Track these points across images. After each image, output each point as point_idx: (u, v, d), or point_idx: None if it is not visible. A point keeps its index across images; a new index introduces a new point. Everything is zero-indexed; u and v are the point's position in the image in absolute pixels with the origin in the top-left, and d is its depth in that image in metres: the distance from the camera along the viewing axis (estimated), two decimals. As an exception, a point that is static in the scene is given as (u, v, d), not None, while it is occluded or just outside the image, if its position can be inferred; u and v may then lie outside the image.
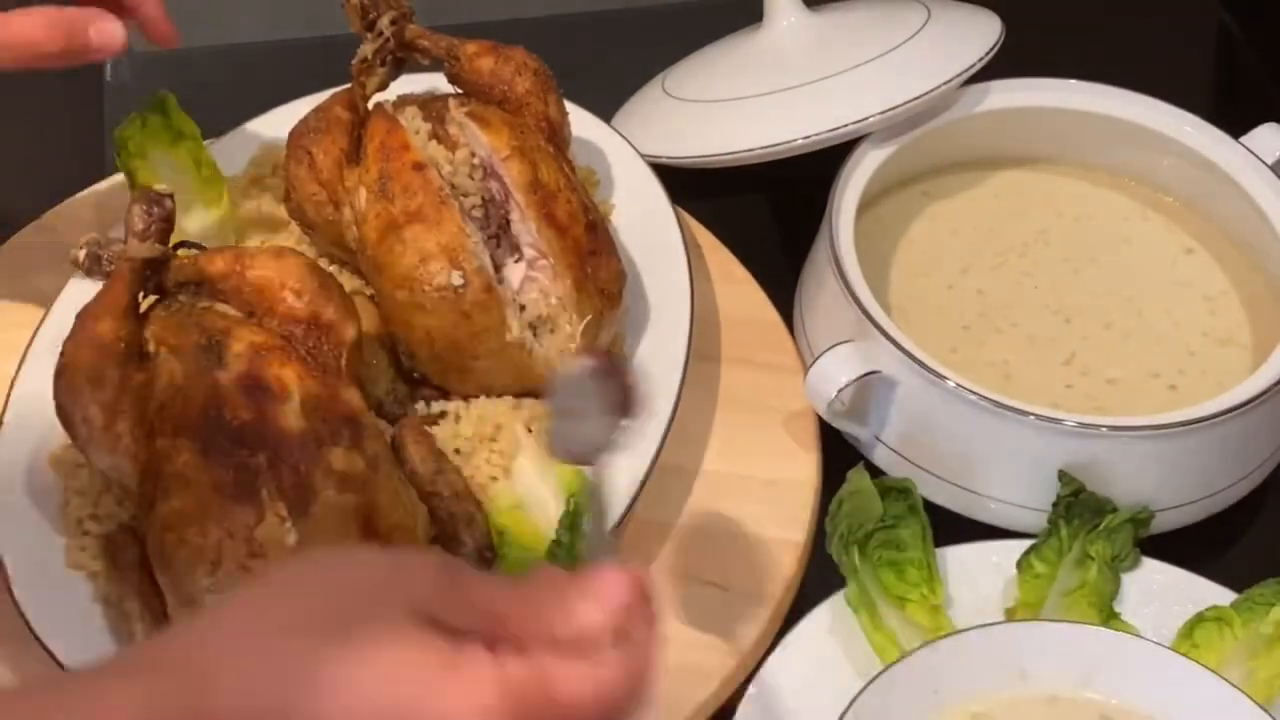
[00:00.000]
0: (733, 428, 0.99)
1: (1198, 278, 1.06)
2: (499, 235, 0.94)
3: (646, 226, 1.03)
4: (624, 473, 0.92)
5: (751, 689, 0.89)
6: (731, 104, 1.08)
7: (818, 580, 0.94)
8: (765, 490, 0.96)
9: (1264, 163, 1.04)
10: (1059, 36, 1.28)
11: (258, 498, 0.82)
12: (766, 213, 1.17)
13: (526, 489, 0.91)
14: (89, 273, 0.92)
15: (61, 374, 0.88)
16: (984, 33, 1.08)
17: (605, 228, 0.98)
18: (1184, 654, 0.86)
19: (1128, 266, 1.07)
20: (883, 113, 1.03)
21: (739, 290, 1.06)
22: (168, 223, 0.92)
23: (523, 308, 0.94)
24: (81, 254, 0.92)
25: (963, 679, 0.85)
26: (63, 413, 0.88)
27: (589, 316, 0.93)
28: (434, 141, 0.96)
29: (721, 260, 1.08)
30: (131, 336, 0.89)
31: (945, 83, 1.04)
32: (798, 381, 0.98)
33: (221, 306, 0.91)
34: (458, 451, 0.94)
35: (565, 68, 1.02)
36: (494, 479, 0.92)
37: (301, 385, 0.86)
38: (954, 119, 1.08)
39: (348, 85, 1.01)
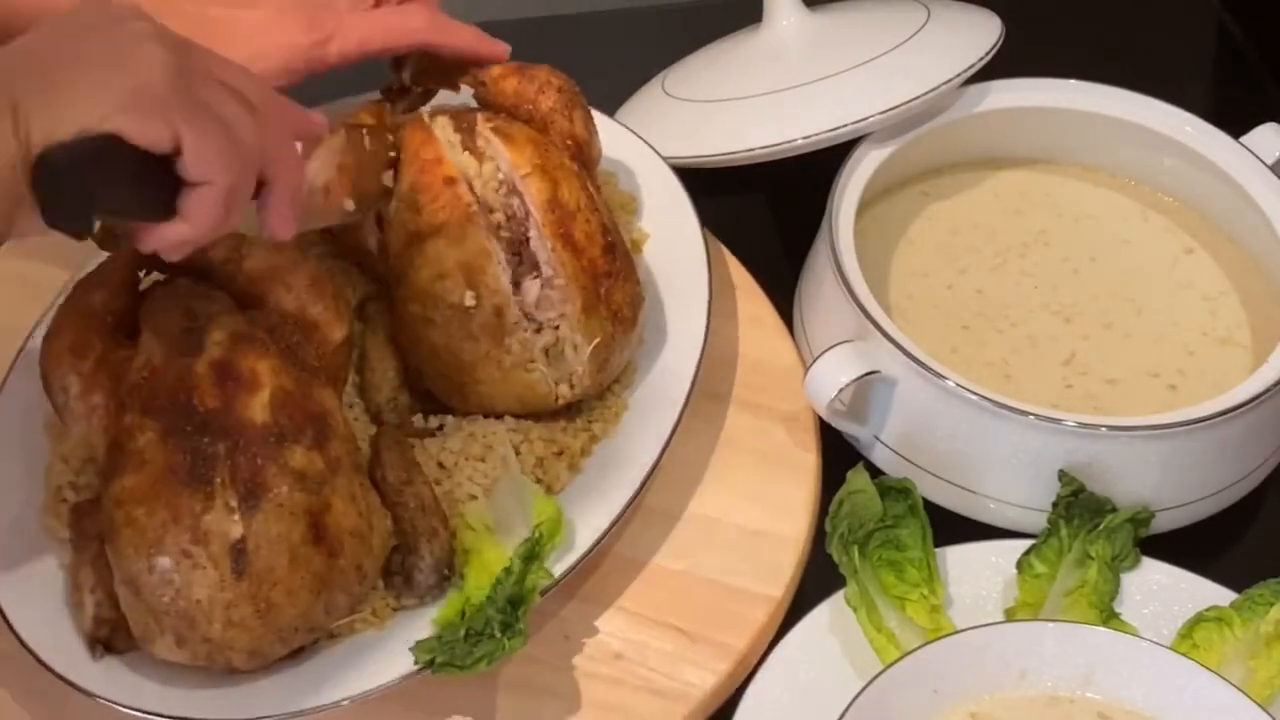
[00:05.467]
0: (729, 472, 0.98)
1: (1198, 278, 1.06)
2: (520, 252, 0.94)
3: (677, 259, 1.02)
4: (599, 507, 0.91)
5: (751, 689, 0.89)
6: (731, 104, 1.08)
7: (818, 580, 0.94)
8: (751, 541, 0.95)
9: (1264, 163, 1.04)
10: (1059, 36, 1.28)
11: (210, 486, 0.82)
12: (766, 213, 1.17)
13: (502, 512, 0.90)
14: (102, 245, 0.92)
15: (47, 339, 0.89)
16: (984, 33, 1.08)
17: (625, 250, 0.96)
18: (1184, 654, 0.86)
19: (1128, 266, 1.07)
20: (883, 113, 1.03)
21: (765, 336, 1.04)
22: None
23: (539, 328, 0.93)
24: (96, 224, 0.92)
25: (962, 679, 0.85)
26: (45, 377, 0.89)
27: (598, 339, 0.93)
28: (467, 154, 0.95)
29: (755, 304, 1.06)
30: (123, 311, 0.89)
31: (945, 83, 1.05)
32: (807, 456, 0.98)
33: (218, 293, 0.91)
34: (441, 465, 0.93)
35: (565, 68, 1.02)
36: (473, 497, 0.92)
37: (274, 379, 0.85)
38: (954, 119, 1.08)
39: (377, 97, 1.01)
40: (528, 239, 0.93)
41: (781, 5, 1.12)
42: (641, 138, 1.07)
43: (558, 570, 0.88)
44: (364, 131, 0.94)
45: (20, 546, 0.90)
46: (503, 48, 1.00)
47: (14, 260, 1.06)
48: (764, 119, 1.05)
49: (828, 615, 0.91)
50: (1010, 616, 0.91)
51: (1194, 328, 1.03)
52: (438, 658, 0.84)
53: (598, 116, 1.03)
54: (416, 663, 0.84)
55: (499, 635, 0.84)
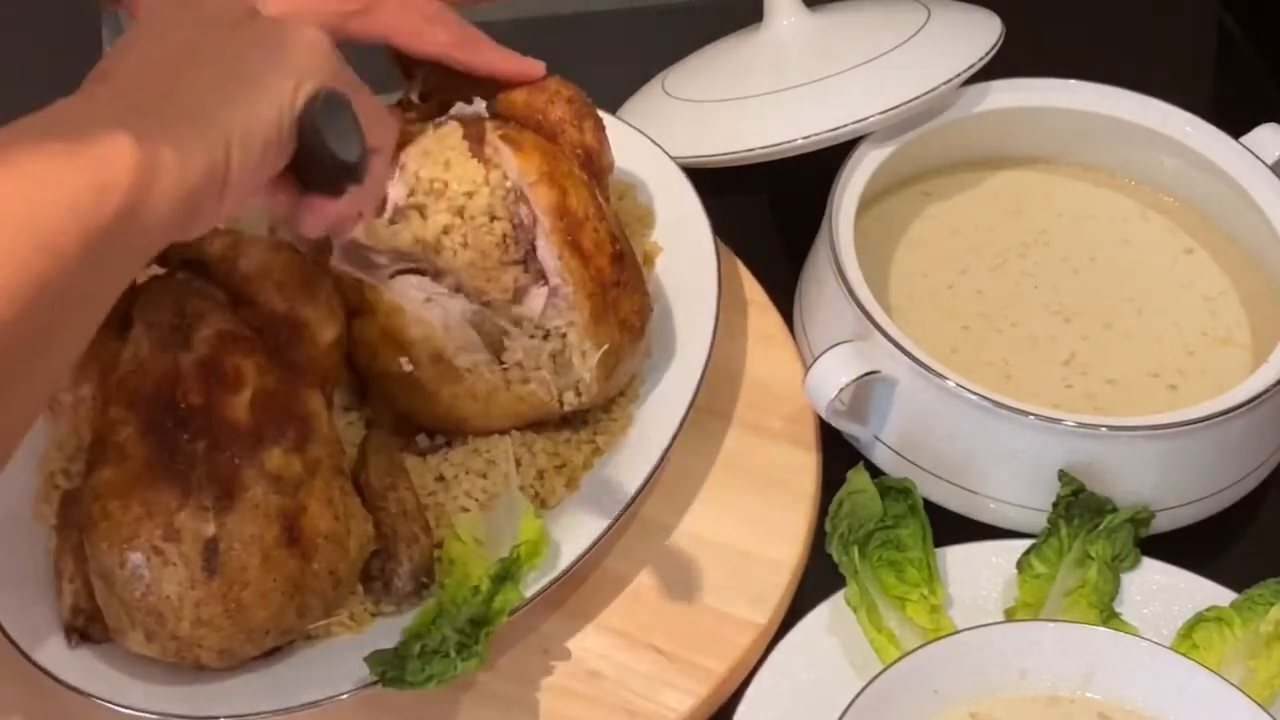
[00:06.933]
0: (726, 492, 0.97)
1: (1198, 278, 1.06)
2: (526, 260, 0.93)
3: (688, 274, 1.01)
4: (586, 526, 0.90)
5: (751, 689, 0.89)
6: (731, 104, 1.08)
7: (818, 580, 0.94)
8: (741, 563, 0.93)
9: (1264, 163, 1.04)
10: (1059, 36, 1.28)
11: (187, 483, 0.82)
12: (766, 213, 1.17)
13: (494, 527, 0.90)
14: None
15: None
16: (984, 33, 1.08)
17: (634, 261, 0.96)
18: (1184, 654, 0.86)
19: (1128, 267, 1.07)
20: (883, 113, 1.03)
21: (774, 353, 1.03)
22: None
23: (546, 335, 0.93)
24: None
25: (963, 679, 0.85)
26: None
27: (606, 346, 0.92)
28: (475, 161, 0.94)
29: (766, 321, 1.05)
30: (119, 304, 0.89)
31: (945, 83, 1.05)
32: (807, 457, 0.97)
33: (213, 289, 0.91)
34: (440, 478, 0.93)
35: (565, 68, 1.02)
36: (464, 509, 0.91)
37: (259, 379, 0.85)
38: (954, 119, 1.08)
39: (392, 100, 1.01)
40: (535, 247, 0.93)
41: (781, 5, 1.12)
42: (662, 149, 1.06)
43: (530, 591, 0.87)
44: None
45: (13, 532, 0.91)
46: (535, 67, 0.99)
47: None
48: (764, 119, 1.05)
49: (828, 615, 0.91)
50: (1010, 616, 0.91)
51: (1194, 328, 1.03)
52: (389, 671, 0.83)
53: (621, 125, 1.03)
54: (371, 674, 0.84)
55: (453, 655, 0.83)
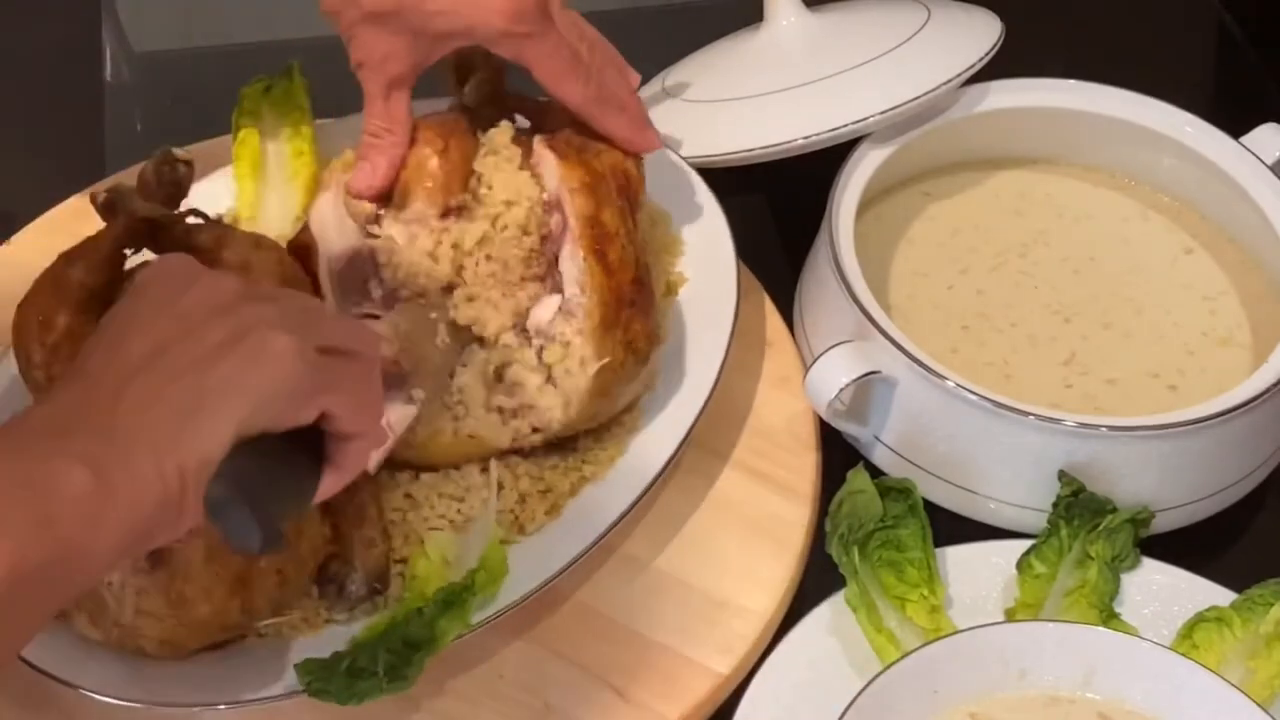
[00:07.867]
0: (712, 536, 0.95)
1: (1198, 278, 1.06)
2: (546, 276, 0.92)
3: (707, 310, 0.99)
4: (567, 542, 0.89)
5: (751, 689, 0.89)
6: (731, 104, 1.08)
7: (818, 580, 0.94)
8: (713, 610, 0.91)
9: (1264, 163, 1.04)
10: (1059, 36, 1.28)
11: None
12: (766, 213, 1.17)
13: (465, 549, 0.89)
14: (104, 217, 0.92)
15: (21, 306, 0.89)
16: (984, 33, 1.08)
17: (652, 290, 0.94)
18: (1184, 654, 0.86)
19: (1127, 267, 1.07)
20: (883, 113, 1.03)
21: (785, 399, 1.00)
22: (177, 187, 0.92)
23: (542, 347, 0.91)
24: (102, 197, 0.92)
25: (962, 679, 0.85)
26: (14, 345, 0.89)
27: (606, 360, 0.90)
28: (525, 172, 0.94)
29: (784, 363, 1.02)
30: (101, 287, 0.89)
31: (945, 83, 1.05)
32: (800, 510, 0.96)
33: None
34: (409, 495, 0.92)
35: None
36: (434, 529, 0.90)
37: None
38: (954, 119, 1.08)
39: (455, 105, 1.00)
40: (557, 258, 0.92)
41: (782, 5, 1.12)
42: (704, 180, 1.05)
43: (479, 618, 0.85)
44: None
45: None
46: (650, 142, 0.98)
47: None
48: (764, 119, 1.05)
49: (828, 615, 0.91)
50: (1010, 616, 0.91)
51: (1194, 328, 1.03)
52: (315, 683, 0.82)
53: (675, 159, 1.03)
54: (299, 682, 0.83)
55: (381, 675, 0.82)
